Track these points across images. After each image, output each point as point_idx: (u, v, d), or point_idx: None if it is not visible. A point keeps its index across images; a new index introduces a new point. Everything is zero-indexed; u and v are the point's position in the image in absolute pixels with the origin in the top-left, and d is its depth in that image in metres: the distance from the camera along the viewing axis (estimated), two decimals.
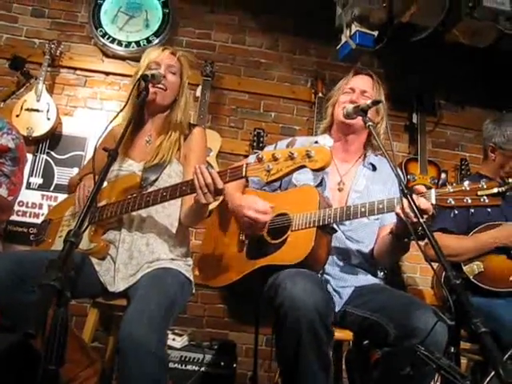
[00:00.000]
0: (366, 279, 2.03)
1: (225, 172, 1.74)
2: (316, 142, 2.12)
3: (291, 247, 1.89)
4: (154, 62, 2.11)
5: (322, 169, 1.55)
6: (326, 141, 1.59)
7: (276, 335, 1.72)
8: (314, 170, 1.58)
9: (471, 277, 2.38)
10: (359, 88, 2.17)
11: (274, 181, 1.61)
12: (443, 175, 4.01)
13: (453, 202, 1.63)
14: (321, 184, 2.11)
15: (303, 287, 1.62)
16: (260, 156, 1.61)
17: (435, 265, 1.65)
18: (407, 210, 1.62)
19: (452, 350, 1.36)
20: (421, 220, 1.51)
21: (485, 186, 1.57)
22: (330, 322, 1.67)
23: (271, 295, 1.74)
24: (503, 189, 1.55)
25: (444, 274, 1.43)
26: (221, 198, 1.90)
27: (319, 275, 1.96)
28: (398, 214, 1.71)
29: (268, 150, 1.64)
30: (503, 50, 3.56)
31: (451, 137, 4.32)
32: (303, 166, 1.55)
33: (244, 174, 1.67)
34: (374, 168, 2.18)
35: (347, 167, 2.18)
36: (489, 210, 1.62)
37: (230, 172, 1.73)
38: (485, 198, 1.57)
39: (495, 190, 1.55)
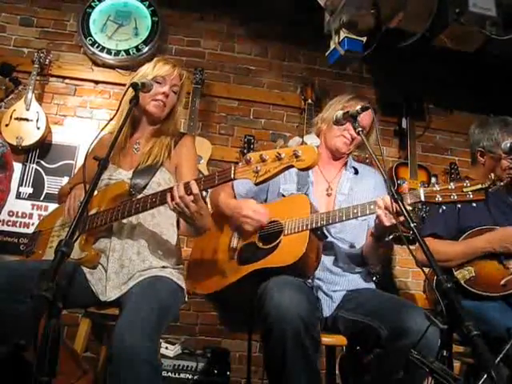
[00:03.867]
0: (357, 283, 2.05)
1: (213, 175, 1.73)
2: (303, 143, 2.16)
3: (284, 250, 1.91)
4: (161, 77, 2.14)
5: (309, 168, 1.56)
6: (312, 140, 1.60)
7: (263, 345, 1.74)
8: (301, 170, 1.58)
9: (462, 282, 2.38)
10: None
11: (263, 182, 1.61)
12: (433, 179, 4.04)
13: (440, 199, 1.72)
14: (307, 192, 2.14)
15: (289, 297, 1.64)
16: (248, 158, 1.61)
17: (427, 269, 1.66)
18: (389, 207, 1.70)
19: (444, 353, 1.36)
20: (411, 224, 1.52)
21: (469, 184, 1.67)
22: (315, 332, 1.68)
23: (260, 304, 1.75)
24: (486, 184, 1.65)
25: (435, 277, 1.43)
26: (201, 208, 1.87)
27: (310, 281, 1.98)
28: (379, 216, 1.78)
29: (256, 152, 1.64)
30: (490, 55, 3.60)
31: (440, 141, 4.36)
32: (291, 166, 1.55)
33: (233, 176, 1.66)
34: (356, 171, 2.27)
35: (333, 173, 2.26)
36: (474, 204, 1.71)
37: (219, 175, 1.72)
38: (470, 193, 1.66)
39: (478, 186, 1.66)
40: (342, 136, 2.21)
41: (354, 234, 2.11)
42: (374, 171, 2.32)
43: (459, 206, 2.02)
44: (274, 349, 1.64)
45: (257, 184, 1.62)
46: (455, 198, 1.69)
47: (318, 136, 2.31)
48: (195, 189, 1.72)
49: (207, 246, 2.19)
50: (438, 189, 1.72)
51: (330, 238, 2.04)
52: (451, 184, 1.71)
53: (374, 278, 2.16)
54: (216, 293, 2.08)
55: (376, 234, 1.90)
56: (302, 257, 1.82)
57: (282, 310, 1.61)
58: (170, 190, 1.79)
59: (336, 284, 2.01)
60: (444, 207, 1.81)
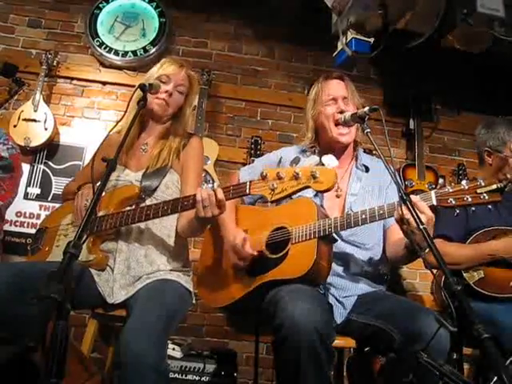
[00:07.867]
0: (368, 287, 2.01)
1: (228, 189, 1.72)
2: (322, 164, 2.11)
3: (293, 261, 1.86)
4: (166, 76, 2.12)
5: (327, 190, 1.54)
6: (330, 161, 1.57)
7: (275, 355, 1.70)
8: (318, 191, 1.56)
9: (471, 283, 2.37)
10: (340, 95, 2.18)
11: (279, 200, 1.60)
12: (441, 180, 4.02)
13: (454, 202, 1.63)
14: (317, 194, 2.08)
15: (303, 308, 1.60)
16: (264, 174, 1.59)
17: (435, 270, 1.64)
18: (407, 215, 1.61)
19: (454, 356, 1.35)
20: (421, 226, 1.50)
21: (483, 184, 1.59)
22: (330, 342, 1.66)
23: (270, 312, 1.72)
24: (502, 184, 1.56)
25: (444, 279, 1.42)
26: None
27: (321, 286, 1.95)
28: (396, 221, 1.69)
29: (272, 169, 1.61)
30: (498, 55, 3.58)
31: (448, 142, 4.34)
32: (308, 187, 1.53)
33: (248, 191, 1.65)
34: (367, 169, 2.18)
35: (341, 172, 2.17)
36: (489, 207, 1.62)
37: (234, 189, 1.71)
38: (484, 195, 1.58)
39: (494, 187, 1.57)
40: (332, 121, 2.13)
41: (367, 236, 2.04)
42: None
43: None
44: (287, 360, 1.61)
45: (272, 202, 1.60)
46: (469, 200, 1.60)
47: (316, 136, 2.24)
48: (220, 194, 1.71)
49: (216, 251, 2.15)
50: (451, 190, 1.64)
51: (340, 241, 1.99)
52: (464, 184, 1.62)
53: (384, 278, 2.13)
54: (226, 306, 2.07)
55: (409, 246, 1.79)
56: (312, 267, 1.77)
57: (295, 321, 1.57)
58: (193, 198, 1.78)
59: (347, 290, 1.96)
60: (458, 210, 1.74)
